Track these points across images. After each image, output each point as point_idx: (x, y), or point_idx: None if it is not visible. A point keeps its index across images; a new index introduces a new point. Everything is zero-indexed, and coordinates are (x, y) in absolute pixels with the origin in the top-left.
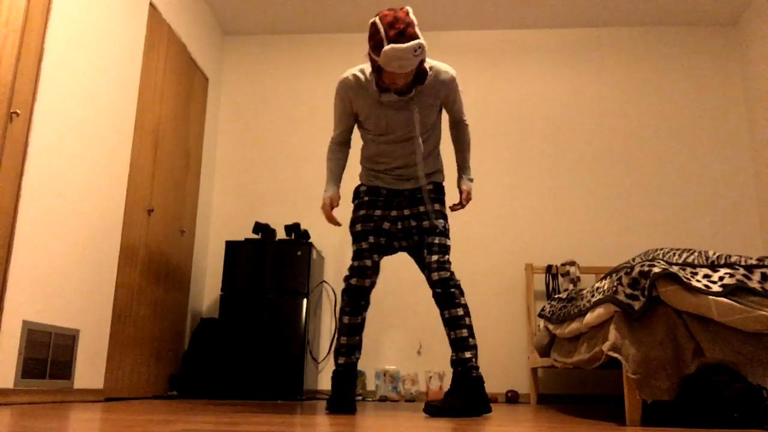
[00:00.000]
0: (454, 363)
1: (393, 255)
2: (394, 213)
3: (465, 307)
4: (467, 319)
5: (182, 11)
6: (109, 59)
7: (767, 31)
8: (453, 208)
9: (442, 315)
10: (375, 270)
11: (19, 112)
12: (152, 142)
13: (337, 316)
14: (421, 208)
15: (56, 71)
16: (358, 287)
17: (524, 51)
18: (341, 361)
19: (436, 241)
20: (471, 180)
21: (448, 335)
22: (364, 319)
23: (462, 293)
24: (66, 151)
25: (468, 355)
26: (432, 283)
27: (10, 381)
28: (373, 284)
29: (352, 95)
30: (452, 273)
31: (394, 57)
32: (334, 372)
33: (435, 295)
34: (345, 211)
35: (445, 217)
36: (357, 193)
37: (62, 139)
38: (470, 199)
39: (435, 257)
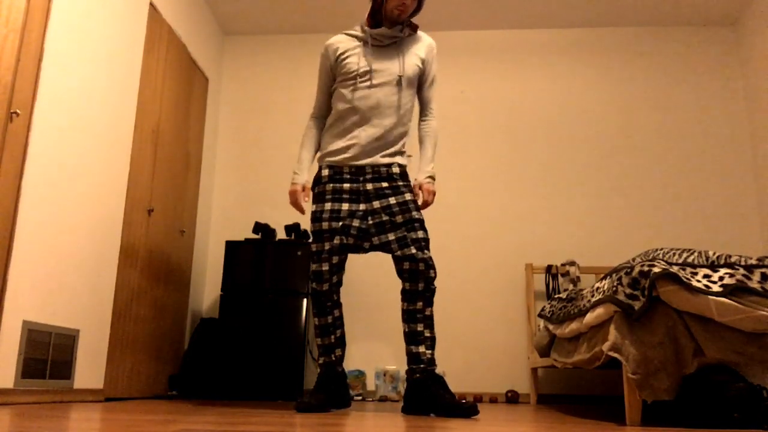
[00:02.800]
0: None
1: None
2: (362, 207)
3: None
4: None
5: (182, 11)
6: (109, 59)
7: (767, 31)
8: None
9: (414, 311)
10: (333, 272)
11: (19, 112)
12: (152, 142)
13: None
14: (392, 200)
15: (56, 71)
16: (316, 291)
17: (524, 51)
18: (321, 361)
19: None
20: (433, 178)
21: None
22: (336, 318)
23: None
24: (66, 151)
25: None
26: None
27: (10, 381)
28: (333, 285)
29: (339, 45)
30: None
31: None
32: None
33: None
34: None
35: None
36: (318, 180)
37: (62, 139)
38: (433, 193)
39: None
